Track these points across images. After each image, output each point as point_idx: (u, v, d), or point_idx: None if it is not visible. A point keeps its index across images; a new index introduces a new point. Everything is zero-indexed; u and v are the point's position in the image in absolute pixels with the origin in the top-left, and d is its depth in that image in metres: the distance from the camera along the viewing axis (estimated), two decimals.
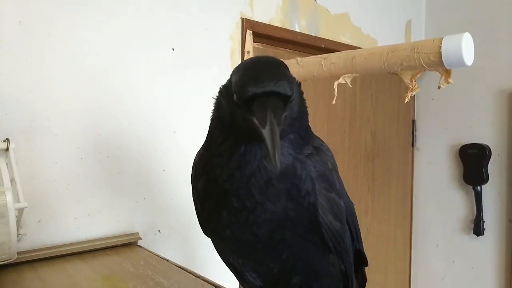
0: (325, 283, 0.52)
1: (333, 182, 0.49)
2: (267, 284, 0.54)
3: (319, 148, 0.49)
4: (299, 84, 0.50)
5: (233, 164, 0.47)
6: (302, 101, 0.51)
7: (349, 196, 0.57)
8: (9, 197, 0.70)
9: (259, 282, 0.54)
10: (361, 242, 0.61)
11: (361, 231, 0.61)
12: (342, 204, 0.50)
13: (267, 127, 0.39)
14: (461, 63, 0.79)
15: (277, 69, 0.45)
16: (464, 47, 0.78)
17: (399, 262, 2.22)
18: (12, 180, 0.77)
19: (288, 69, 0.47)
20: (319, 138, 0.55)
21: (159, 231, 1.15)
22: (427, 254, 2.23)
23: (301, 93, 0.51)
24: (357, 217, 0.59)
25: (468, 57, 0.79)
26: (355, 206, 0.58)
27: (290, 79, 0.44)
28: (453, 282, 2.13)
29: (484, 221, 1.98)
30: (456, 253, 2.11)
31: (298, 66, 1.19)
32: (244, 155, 0.46)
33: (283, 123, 0.42)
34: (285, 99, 0.43)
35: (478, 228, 1.98)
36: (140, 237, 1.06)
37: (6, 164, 0.78)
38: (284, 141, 0.46)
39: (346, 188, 0.55)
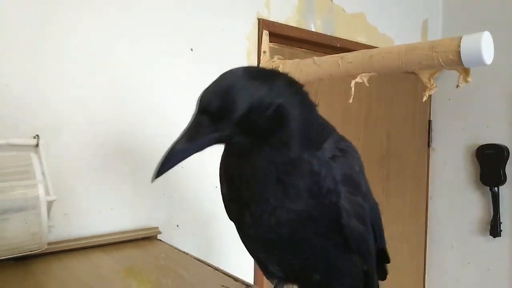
0: (346, 281, 0.52)
1: (358, 185, 0.48)
2: (289, 277, 0.56)
3: (345, 150, 0.48)
4: (296, 91, 0.48)
5: (243, 171, 0.48)
6: (303, 106, 0.49)
7: None
8: (41, 189, 0.73)
9: (281, 274, 0.55)
10: (384, 241, 0.61)
11: None
12: (367, 207, 0.50)
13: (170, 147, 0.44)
14: (481, 62, 0.80)
15: (225, 84, 0.45)
16: (484, 46, 0.78)
17: (413, 262, 2.21)
18: (42, 174, 0.80)
19: (267, 79, 0.46)
20: (344, 138, 0.53)
21: (177, 226, 1.18)
22: (442, 255, 2.21)
23: (303, 97, 0.49)
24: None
25: (488, 56, 0.80)
26: None
27: (239, 95, 0.43)
28: (469, 284, 2.11)
29: (501, 223, 1.96)
30: (472, 255, 2.09)
31: (315, 65, 1.21)
32: (250, 162, 0.46)
33: (213, 140, 0.44)
34: (215, 115, 0.43)
35: (495, 230, 1.96)
36: (159, 231, 1.09)
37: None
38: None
39: None
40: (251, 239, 0.54)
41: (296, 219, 0.45)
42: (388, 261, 0.65)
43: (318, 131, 0.48)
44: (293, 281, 0.57)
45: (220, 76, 0.47)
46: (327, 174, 0.44)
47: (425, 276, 2.26)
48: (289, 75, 0.51)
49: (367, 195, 0.50)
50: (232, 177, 0.50)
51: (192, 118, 0.47)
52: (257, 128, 0.44)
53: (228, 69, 0.51)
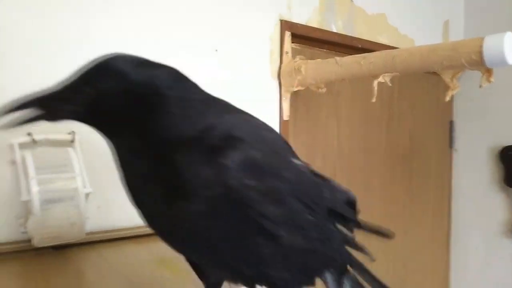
0: (280, 266, 0.45)
1: (261, 168, 0.41)
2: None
3: (232, 138, 0.40)
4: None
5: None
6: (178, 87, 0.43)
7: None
8: (79, 182, 0.78)
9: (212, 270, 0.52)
10: (337, 200, 0.52)
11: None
12: (283, 186, 0.42)
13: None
14: (503, 62, 0.81)
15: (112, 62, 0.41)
16: (506, 46, 0.79)
17: (437, 263, 2.19)
18: (79, 168, 0.86)
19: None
20: (235, 116, 0.46)
21: None
22: (465, 257, 2.19)
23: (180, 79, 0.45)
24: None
25: (510, 56, 0.81)
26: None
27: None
28: (493, 286, 2.08)
29: None
30: (496, 257, 2.06)
31: (337, 65, 1.23)
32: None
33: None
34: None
35: None
36: None
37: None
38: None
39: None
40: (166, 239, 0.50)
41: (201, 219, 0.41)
42: (354, 223, 0.54)
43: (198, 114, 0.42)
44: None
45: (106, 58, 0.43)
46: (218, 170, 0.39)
47: (449, 277, 2.24)
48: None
49: (279, 174, 0.42)
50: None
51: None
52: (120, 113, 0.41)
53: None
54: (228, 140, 0.39)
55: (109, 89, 0.40)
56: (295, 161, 0.47)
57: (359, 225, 0.54)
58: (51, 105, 0.41)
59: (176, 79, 0.44)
